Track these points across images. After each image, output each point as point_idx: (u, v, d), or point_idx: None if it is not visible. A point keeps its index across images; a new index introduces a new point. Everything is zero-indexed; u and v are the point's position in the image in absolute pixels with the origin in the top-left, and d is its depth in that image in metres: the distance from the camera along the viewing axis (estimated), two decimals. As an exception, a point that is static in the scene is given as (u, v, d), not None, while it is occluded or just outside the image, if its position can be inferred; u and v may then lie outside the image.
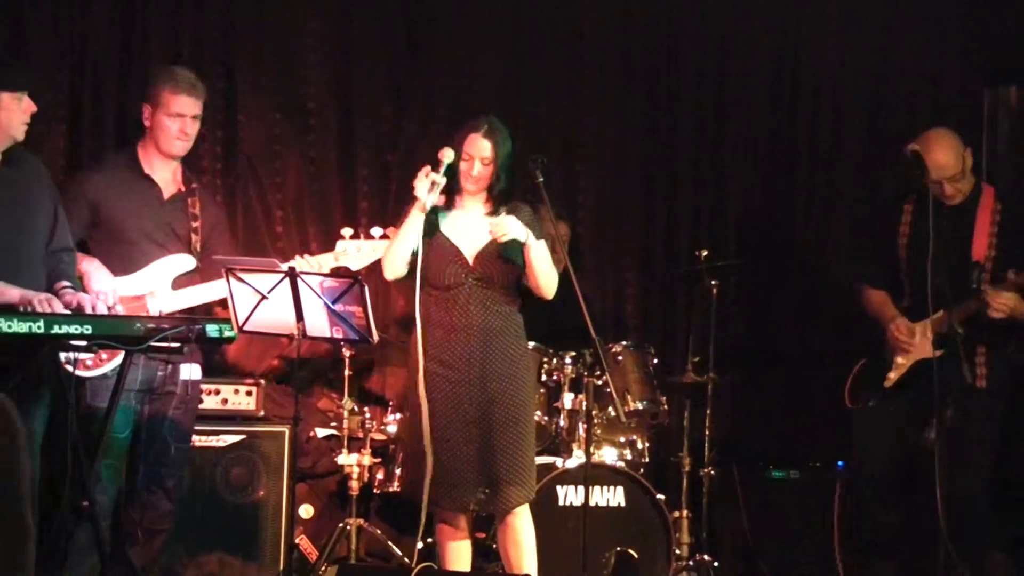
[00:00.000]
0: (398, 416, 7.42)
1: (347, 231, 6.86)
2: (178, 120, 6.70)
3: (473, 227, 6.53)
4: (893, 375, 7.01)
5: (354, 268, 6.74)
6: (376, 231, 6.83)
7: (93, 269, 6.55)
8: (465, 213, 6.56)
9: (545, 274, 6.52)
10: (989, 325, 6.86)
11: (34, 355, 5.93)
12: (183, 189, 6.85)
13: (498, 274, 6.50)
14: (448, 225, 6.55)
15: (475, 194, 6.55)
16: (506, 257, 6.53)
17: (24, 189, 6.31)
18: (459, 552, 6.53)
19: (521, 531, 6.51)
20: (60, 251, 6.33)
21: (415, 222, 6.41)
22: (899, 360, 7.02)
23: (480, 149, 6.46)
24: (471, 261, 6.48)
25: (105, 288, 6.38)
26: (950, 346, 6.85)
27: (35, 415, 6.17)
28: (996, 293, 6.75)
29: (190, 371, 6.78)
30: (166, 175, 6.82)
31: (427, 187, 6.34)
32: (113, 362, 6.38)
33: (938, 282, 6.80)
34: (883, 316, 7.13)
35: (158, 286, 6.67)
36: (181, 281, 6.70)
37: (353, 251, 6.75)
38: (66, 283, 6.19)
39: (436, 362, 6.42)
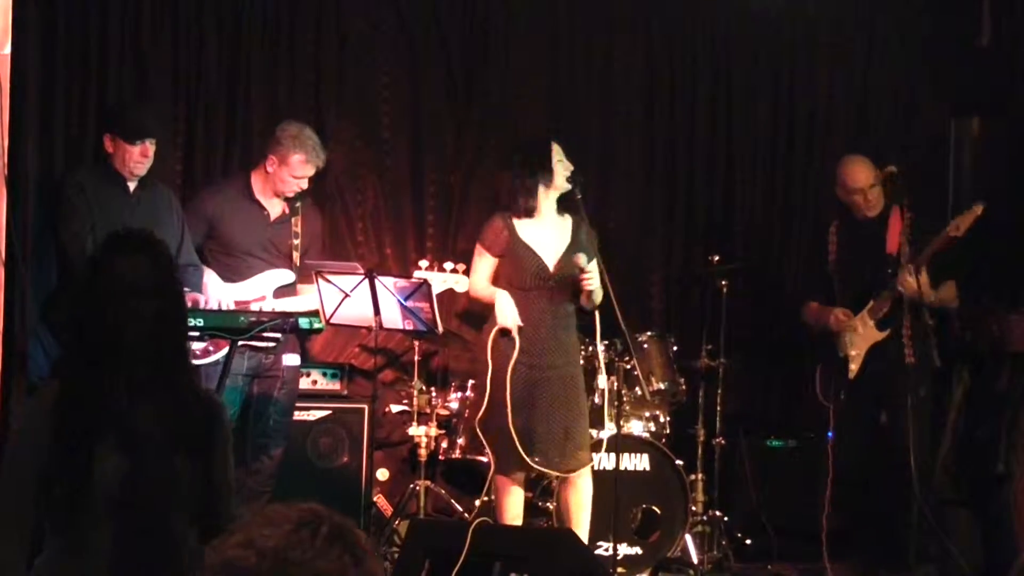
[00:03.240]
0: (459, 395, 7.34)
1: (423, 263, 6.87)
2: (300, 180, 6.69)
3: (549, 232, 6.50)
4: (854, 366, 6.96)
5: None
6: (448, 265, 6.84)
7: (211, 279, 6.54)
8: (541, 221, 6.54)
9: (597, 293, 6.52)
10: (912, 310, 6.86)
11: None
12: (287, 211, 6.84)
13: (573, 276, 6.47)
14: (527, 233, 6.52)
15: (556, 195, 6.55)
16: (577, 265, 6.49)
17: (154, 213, 6.37)
18: (517, 503, 6.52)
19: (586, 488, 6.55)
20: (186, 266, 6.37)
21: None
22: (852, 352, 6.96)
23: (561, 153, 6.58)
24: (552, 267, 6.46)
25: (221, 295, 6.40)
26: (893, 326, 6.84)
27: None
28: (903, 276, 6.71)
29: (290, 359, 6.77)
30: (274, 200, 6.81)
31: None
32: (223, 351, 6.35)
33: (866, 279, 6.82)
34: (822, 316, 7.12)
35: (263, 294, 6.67)
36: (281, 291, 6.69)
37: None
38: (185, 288, 6.17)
39: (516, 350, 6.40)
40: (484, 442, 6.45)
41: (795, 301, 7.80)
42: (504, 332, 6.46)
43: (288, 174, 6.68)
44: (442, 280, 6.73)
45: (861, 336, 6.94)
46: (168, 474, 3.38)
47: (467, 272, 6.79)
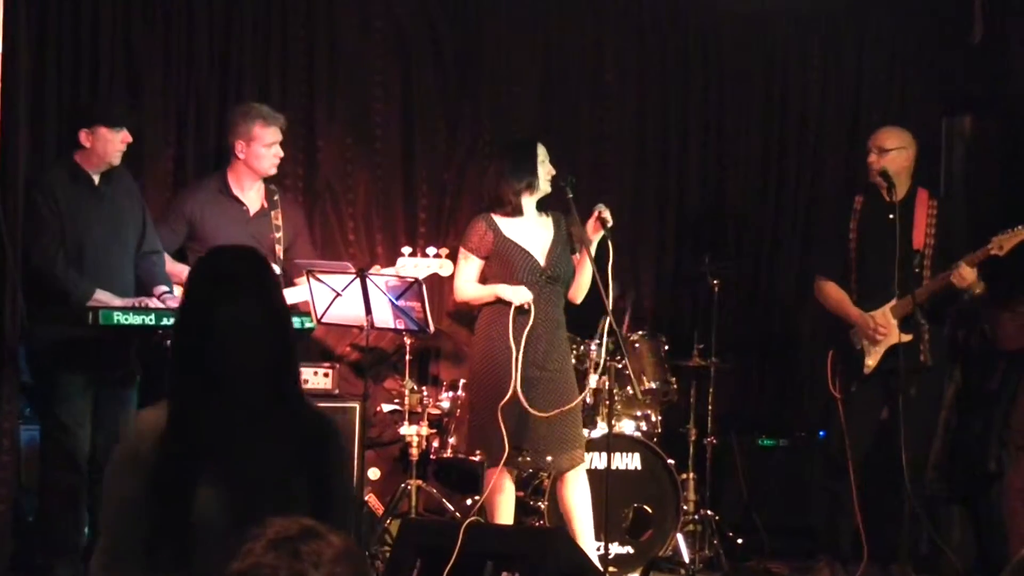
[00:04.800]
0: (450, 394, 7.34)
1: (407, 250, 6.83)
2: (273, 147, 6.73)
3: (534, 230, 6.55)
4: (871, 362, 6.87)
5: None
6: (431, 251, 6.78)
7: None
8: (524, 219, 6.57)
9: (587, 281, 6.50)
10: (928, 308, 6.80)
11: (142, 345, 5.94)
12: (266, 205, 6.87)
13: (563, 273, 6.51)
14: (512, 231, 6.54)
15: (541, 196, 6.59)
16: (566, 259, 6.52)
17: (117, 202, 6.38)
18: (508, 502, 6.55)
19: (585, 484, 6.57)
20: (149, 253, 6.40)
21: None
22: (872, 349, 6.87)
23: (545, 154, 6.58)
24: (543, 263, 6.49)
25: None
26: (914, 330, 6.77)
27: (132, 398, 6.21)
28: (958, 271, 6.60)
29: None
30: (252, 195, 6.86)
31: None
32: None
33: (889, 271, 6.76)
34: (847, 313, 6.96)
35: None
36: None
37: (411, 266, 6.69)
38: (164, 288, 6.20)
39: (505, 348, 6.42)
40: (502, 427, 6.35)
41: (789, 299, 7.83)
42: (520, 310, 6.45)
43: (259, 147, 6.76)
44: (426, 265, 6.74)
45: (888, 334, 6.85)
46: (277, 505, 3.02)
47: (450, 256, 6.81)
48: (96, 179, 6.29)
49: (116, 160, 6.30)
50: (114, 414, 6.23)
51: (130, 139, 6.32)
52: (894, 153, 6.91)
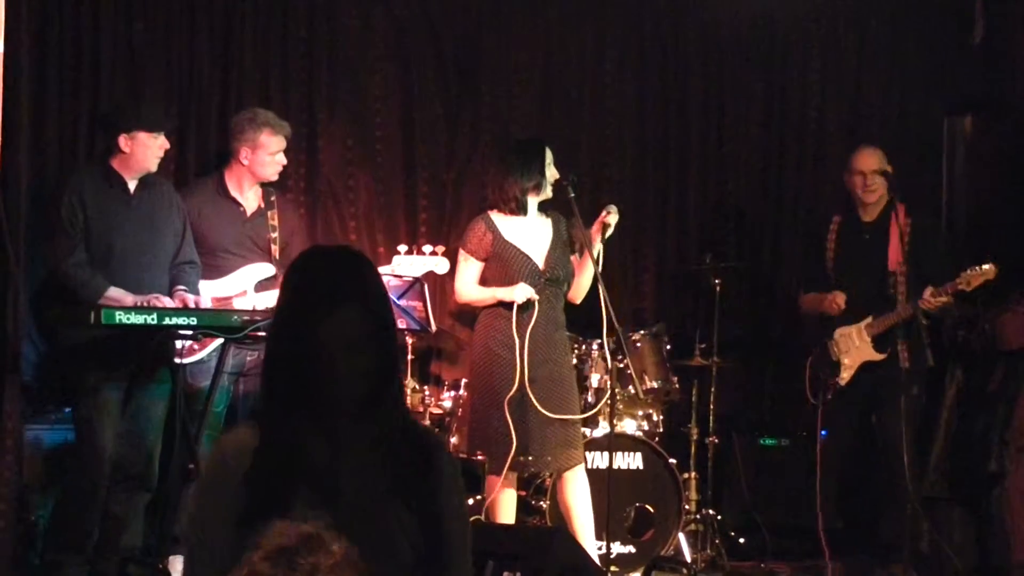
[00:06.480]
0: (452, 393, 7.36)
1: (402, 247, 6.87)
2: (277, 155, 6.74)
3: (533, 232, 6.57)
4: (846, 375, 7.00)
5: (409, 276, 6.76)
6: (427, 248, 6.84)
7: None
8: (524, 220, 6.59)
9: (587, 281, 6.57)
10: (907, 329, 6.90)
11: (148, 345, 5.94)
12: (262, 206, 6.87)
13: (562, 274, 6.55)
14: (512, 233, 6.56)
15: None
16: (565, 260, 6.59)
17: (155, 210, 6.38)
18: (510, 502, 6.61)
19: (584, 484, 6.61)
20: (184, 264, 6.42)
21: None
22: (846, 361, 6.99)
23: (551, 158, 6.65)
24: (542, 266, 6.52)
25: (199, 293, 6.42)
26: (889, 347, 6.83)
27: (156, 396, 6.19)
28: (926, 298, 6.73)
29: None
30: (249, 195, 6.86)
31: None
32: (207, 349, 6.38)
33: (865, 289, 6.84)
34: (818, 302, 7.15)
35: (243, 289, 6.68)
36: (262, 285, 6.70)
37: (407, 264, 6.73)
38: (182, 287, 6.22)
39: (506, 348, 6.44)
40: (509, 419, 6.45)
41: (790, 300, 7.86)
42: (523, 308, 6.50)
43: (265, 155, 6.74)
44: (422, 263, 6.78)
45: (857, 348, 6.98)
46: (374, 534, 2.83)
47: (447, 254, 6.86)
48: (132, 185, 6.32)
49: (153, 166, 6.32)
50: (135, 416, 6.25)
51: (167, 146, 6.35)
52: (877, 178, 7.02)
